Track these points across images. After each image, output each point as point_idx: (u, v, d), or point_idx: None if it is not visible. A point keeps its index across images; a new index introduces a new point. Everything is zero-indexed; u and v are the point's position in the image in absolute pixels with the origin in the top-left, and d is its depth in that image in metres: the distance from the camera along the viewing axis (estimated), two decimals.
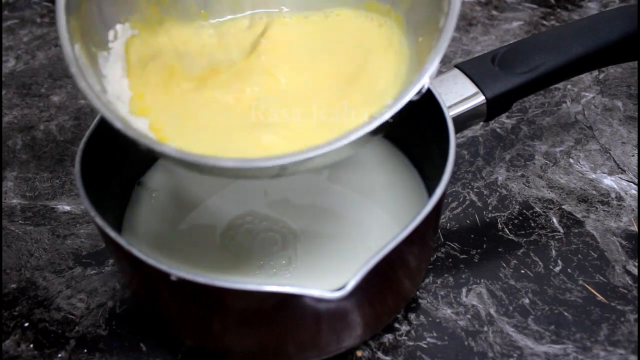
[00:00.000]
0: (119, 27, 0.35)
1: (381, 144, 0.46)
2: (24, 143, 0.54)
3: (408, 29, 0.35)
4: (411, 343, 0.38)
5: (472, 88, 0.41)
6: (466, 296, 0.40)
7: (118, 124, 0.29)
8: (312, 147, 0.28)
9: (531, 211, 0.46)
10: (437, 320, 0.39)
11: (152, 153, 0.29)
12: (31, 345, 0.38)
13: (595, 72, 0.59)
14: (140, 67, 0.35)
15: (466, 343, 0.38)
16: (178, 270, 0.29)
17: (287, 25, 0.38)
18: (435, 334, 0.38)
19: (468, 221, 0.45)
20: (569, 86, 0.57)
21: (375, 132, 0.28)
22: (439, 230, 0.45)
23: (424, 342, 0.38)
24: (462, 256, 0.43)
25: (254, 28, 0.38)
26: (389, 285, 0.35)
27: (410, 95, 0.29)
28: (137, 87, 0.34)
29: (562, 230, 0.44)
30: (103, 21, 0.34)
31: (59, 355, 0.38)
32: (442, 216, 0.46)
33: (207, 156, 0.28)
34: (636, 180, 0.48)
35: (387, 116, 0.28)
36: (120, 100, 0.33)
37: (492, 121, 0.53)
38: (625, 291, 0.40)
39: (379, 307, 0.36)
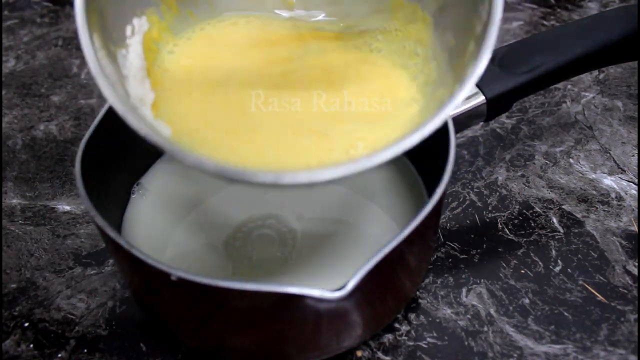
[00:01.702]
0: (135, 21, 0.34)
1: None
2: (24, 143, 0.54)
3: (436, 32, 0.34)
4: (411, 343, 0.38)
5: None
6: (466, 296, 0.40)
7: (143, 131, 0.27)
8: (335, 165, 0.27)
9: (531, 211, 0.46)
10: (437, 320, 0.39)
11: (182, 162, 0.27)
12: (31, 345, 0.38)
13: (595, 72, 0.59)
14: (159, 67, 0.34)
15: (466, 343, 0.38)
16: (178, 270, 0.29)
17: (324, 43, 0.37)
18: (435, 334, 0.38)
19: (468, 221, 0.45)
20: (569, 86, 0.57)
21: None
22: (439, 230, 0.45)
23: (424, 342, 0.38)
24: (462, 256, 0.43)
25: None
26: (389, 285, 0.35)
27: (452, 107, 0.28)
28: (159, 89, 0.33)
29: (562, 230, 0.44)
30: (120, 14, 0.33)
31: (59, 355, 0.38)
32: (442, 216, 0.46)
33: (245, 170, 0.27)
34: (636, 180, 0.48)
35: (431, 127, 0.28)
36: (143, 104, 0.31)
37: (492, 121, 0.53)
38: (625, 291, 0.40)
39: (379, 307, 0.36)
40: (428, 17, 0.35)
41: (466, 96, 0.28)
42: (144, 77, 0.33)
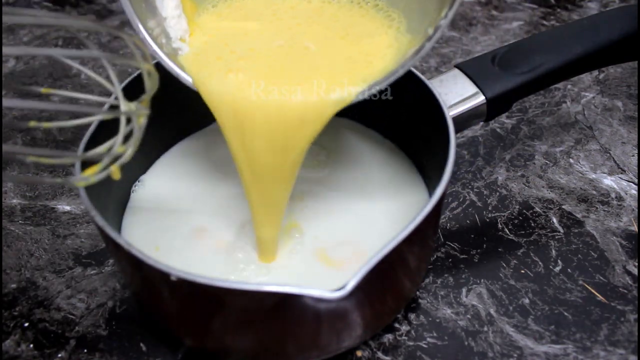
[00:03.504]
0: None
1: (381, 144, 0.46)
2: (24, 143, 0.54)
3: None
4: (411, 343, 0.38)
5: (472, 88, 0.41)
6: (466, 296, 0.40)
7: (176, 70, 0.35)
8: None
9: (531, 211, 0.46)
10: (437, 320, 0.39)
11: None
12: (31, 345, 0.38)
13: (595, 72, 0.59)
14: (192, 6, 0.38)
15: (466, 343, 0.38)
16: (178, 271, 0.29)
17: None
18: (435, 334, 0.38)
19: (468, 221, 0.45)
20: (569, 86, 0.57)
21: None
22: (439, 230, 0.45)
23: (424, 342, 0.38)
24: (462, 256, 0.43)
25: None
26: (389, 285, 0.35)
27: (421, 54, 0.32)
28: (193, 28, 0.37)
29: (562, 230, 0.44)
30: None
31: (59, 355, 0.38)
32: (442, 216, 0.46)
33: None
34: (636, 180, 0.48)
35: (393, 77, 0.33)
36: (183, 42, 0.37)
37: (492, 121, 0.53)
38: (625, 291, 0.40)
39: (379, 307, 0.36)
40: None
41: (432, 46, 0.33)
42: (181, 16, 0.37)
